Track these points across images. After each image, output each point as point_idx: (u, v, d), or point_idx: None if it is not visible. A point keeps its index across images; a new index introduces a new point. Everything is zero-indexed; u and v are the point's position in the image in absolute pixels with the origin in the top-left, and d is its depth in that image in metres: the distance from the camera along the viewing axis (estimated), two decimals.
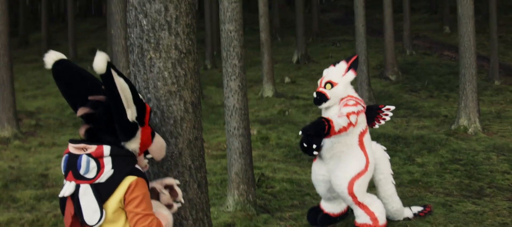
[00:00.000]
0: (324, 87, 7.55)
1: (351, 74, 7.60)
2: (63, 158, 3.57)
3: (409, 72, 24.06)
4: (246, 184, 8.65)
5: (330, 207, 8.03)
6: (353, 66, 7.64)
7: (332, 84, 7.48)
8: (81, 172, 3.41)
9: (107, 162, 3.42)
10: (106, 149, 3.43)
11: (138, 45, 4.17)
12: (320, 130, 6.77)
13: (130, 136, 3.52)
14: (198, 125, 4.33)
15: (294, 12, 29.61)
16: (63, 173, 3.56)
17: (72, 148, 3.51)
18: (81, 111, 3.51)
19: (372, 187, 7.88)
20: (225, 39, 8.70)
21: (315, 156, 7.65)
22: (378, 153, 7.76)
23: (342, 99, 7.51)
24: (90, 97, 3.52)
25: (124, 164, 3.48)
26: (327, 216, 8.03)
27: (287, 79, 24.10)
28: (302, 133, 6.92)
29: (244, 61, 8.79)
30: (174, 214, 4.16)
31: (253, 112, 17.30)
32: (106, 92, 3.37)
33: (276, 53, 27.74)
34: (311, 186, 9.91)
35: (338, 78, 7.55)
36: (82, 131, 3.58)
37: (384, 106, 7.92)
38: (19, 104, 17.15)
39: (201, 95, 11.87)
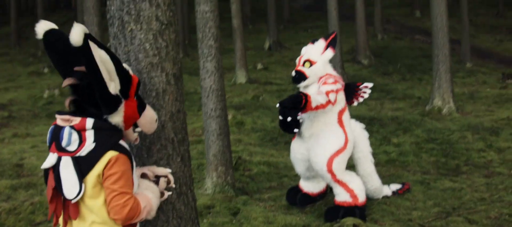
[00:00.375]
0: (303, 65, 7.53)
1: (330, 52, 7.58)
2: (49, 129, 3.53)
3: (381, 56, 24.17)
4: (224, 166, 8.60)
5: (309, 187, 8.03)
6: (331, 44, 7.62)
7: (311, 63, 7.47)
8: (63, 144, 3.38)
9: (89, 135, 3.37)
10: (89, 121, 3.38)
11: (118, 17, 4.10)
12: (297, 103, 6.75)
13: (112, 109, 3.45)
14: (180, 97, 4.28)
15: None
16: (48, 145, 3.51)
17: (58, 120, 3.48)
18: (66, 82, 3.47)
19: (351, 166, 7.88)
20: (201, 20, 8.63)
21: (294, 133, 7.62)
22: (357, 131, 7.77)
23: (320, 77, 7.50)
24: (75, 68, 3.46)
25: (107, 138, 3.42)
26: (306, 195, 8.03)
27: (259, 66, 24.06)
28: (279, 105, 6.88)
29: (220, 43, 8.74)
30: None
31: (227, 98, 17.20)
32: (86, 65, 3.29)
33: (247, 40, 27.69)
34: (288, 168, 9.92)
35: (317, 56, 7.54)
36: (67, 102, 3.53)
37: (362, 83, 7.92)
38: None
39: None
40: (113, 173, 3.35)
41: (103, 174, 3.36)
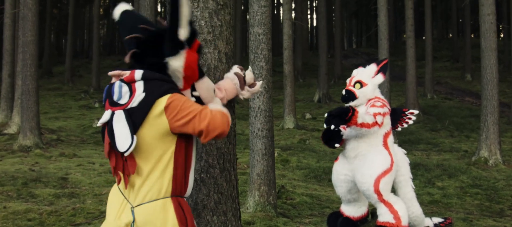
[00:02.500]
0: (354, 86, 7.56)
1: (380, 77, 7.60)
2: (104, 89, 3.54)
3: (430, 114, 24.02)
4: (267, 186, 8.61)
5: (350, 211, 7.96)
6: (382, 70, 7.65)
7: (362, 84, 7.48)
8: (115, 98, 3.38)
9: (139, 85, 3.34)
10: (138, 73, 3.37)
11: None
12: (343, 113, 6.76)
13: (176, 50, 3.40)
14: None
15: (317, 55, 29.78)
16: (103, 104, 3.56)
17: (113, 78, 3.51)
18: (129, 35, 3.51)
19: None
20: (253, 41, 8.76)
21: (335, 147, 7.57)
22: (399, 155, 7.71)
23: (369, 100, 7.51)
24: (140, 26, 3.51)
25: (157, 87, 3.34)
26: (347, 219, 7.96)
27: (308, 116, 24.14)
28: (327, 114, 6.90)
29: (271, 65, 8.84)
30: (201, 161, 4.19)
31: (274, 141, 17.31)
32: (171, 1, 3.31)
33: (297, 93, 27.85)
34: (331, 200, 9.89)
35: (368, 79, 7.55)
36: (127, 57, 3.53)
37: (408, 109, 7.90)
38: (41, 123, 17.20)
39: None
40: (180, 109, 3.26)
41: (169, 123, 3.28)
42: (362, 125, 6.93)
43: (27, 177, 10.70)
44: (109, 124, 3.38)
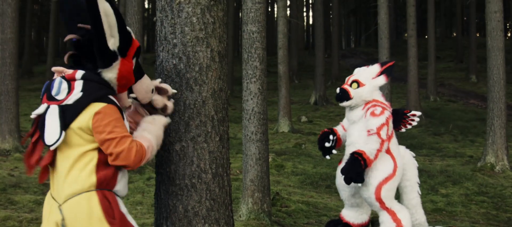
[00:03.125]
0: (350, 85, 7.47)
1: (382, 79, 7.43)
2: (44, 84, 3.75)
3: (432, 117, 24.06)
4: (261, 192, 8.59)
5: (351, 216, 7.92)
6: (386, 72, 7.53)
7: (359, 84, 7.39)
8: (53, 93, 3.60)
9: (78, 84, 3.57)
10: (79, 72, 3.60)
11: None
12: (359, 168, 6.77)
13: (107, 63, 3.63)
14: (224, 76, 4.36)
15: (313, 55, 29.79)
16: (41, 97, 3.71)
17: (55, 74, 3.71)
18: (68, 37, 3.75)
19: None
20: (247, 40, 8.74)
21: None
22: (407, 158, 7.65)
23: (367, 103, 7.44)
24: (79, 25, 3.72)
25: (95, 89, 3.59)
26: (347, 225, 7.95)
27: (304, 119, 24.14)
28: (344, 177, 6.89)
29: (265, 64, 8.82)
30: (192, 166, 4.17)
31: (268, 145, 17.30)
32: (88, 13, 3.47)
33: (293, 94, 27.84)
34: (328, 208, 9.88)
35: (367, 79, 7.42)
36: (66, 57, 3.80)
37: (410, 111, 7.85)
38: (21, 125, 17.10)
39: None
40: (107, 123, 3.50)
41: (94, 128, 3.51)
42: (376, 156, 6.93)
43: (6, 183, 10.66)
44: (41, 117, 3.59)
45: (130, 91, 3.90)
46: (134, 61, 3.81)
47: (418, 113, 7.86)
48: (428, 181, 12.50)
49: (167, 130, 4.10)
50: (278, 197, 10.20)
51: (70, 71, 3.61)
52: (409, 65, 23.09)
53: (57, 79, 3.61)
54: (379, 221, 7.24)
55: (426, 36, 34.44)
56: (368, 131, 7.08)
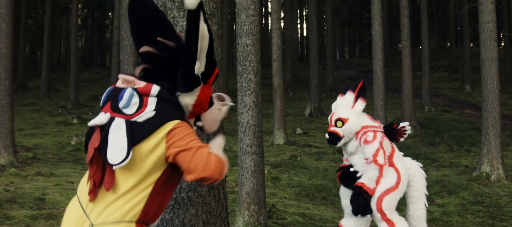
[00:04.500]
0: (335, 125, 7.51)
1: (361, 104, 7.52)
2: (107, 90, 3.40)
3: (427, 127, 24.07)
4: (257, 205, 8.61)
5: (350, 226, 7.94)
6: (360, 94, 7.61)
7: (343, 121, 7.43)
8: (121, 104, 3.24)
9: (152, 101, 3.24)
10: (155, 88, 3.26)
11: (161, 4, 4.28)
12: (363, 202, 6.89)
13: (190, 88, 3.35)
14: (218, 89, 4.39)
15: (307, 67, 29.80)
16: (101, 105, 3.36)
17: (119, 81, 3.38)
18: (145, 48, 3.41)
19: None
20: (241, 53, 8.78)
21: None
22: (413, 169, 7.64)
23: (357, 133, 7.48)
24: (159, 39, 3.40)
25: (169, 110, 3.26)
26: None
27: (299, 131, 24.12)
28: (354, 214, 7.03)
29: (260, 77, 8.85)
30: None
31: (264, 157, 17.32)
32: (187, 32, 3.20)
33: (287, 106, 27.85)
34: (324, 220, 9.88)
35: (347, 112, 7.45)
36: (138, 70, 3.44)
37: (398, 125, 7.89)
38: (16, 140, 17.10)
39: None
40: (182, 137, 3.16)
41: (168, 145, 3.16)
42: (377, 182, 7.00)
43: (2, 198, 10.64)
44: (104, 128, 3.22)
45: (197, 119, 3.61)
46: (212, 88, 3.56)
47: (406, 124, 7.90)
48: None
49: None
50: (274, 209, 10.21)
51: (143, 83, 3.27)
52: (403, 75, 23.14)
53: (128, 90, 3.25)
54: None
55: (420, 47, 34.58)
56: (365, 159, 7.14)
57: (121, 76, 3.37)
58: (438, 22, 57.81)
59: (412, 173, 7.53)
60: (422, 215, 7.63)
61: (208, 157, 3.11)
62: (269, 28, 43.22)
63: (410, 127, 7.85)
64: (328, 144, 7.68)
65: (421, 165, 7.80)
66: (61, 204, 10.47)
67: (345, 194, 7.73)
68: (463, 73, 35.66)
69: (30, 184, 12.66)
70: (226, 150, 14.40)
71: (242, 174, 8.70)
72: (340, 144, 7.46)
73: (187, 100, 3.37)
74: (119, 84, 3.35)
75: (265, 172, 13.26)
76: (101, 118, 3.23)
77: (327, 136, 7.52)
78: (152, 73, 3.40)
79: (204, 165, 3.09)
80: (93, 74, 49.39)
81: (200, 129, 3.67)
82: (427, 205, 7.71)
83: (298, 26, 65.44)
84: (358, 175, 7.49)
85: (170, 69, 3.34)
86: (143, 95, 3.23)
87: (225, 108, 3.74)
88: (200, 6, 3.10)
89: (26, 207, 10.28)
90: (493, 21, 14.53)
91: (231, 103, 3.80)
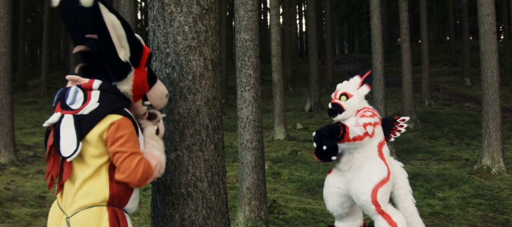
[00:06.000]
0: (339, 99, 7.63)
1: (365, 89, 7.74)
2: (57, 92, 3.64)
3: (428, 121, 24.04)
4: (258, 200, 8.59)
5: (344, 226, 7.96)
6: (367, 81, 7.76)
7: (348, 96, 7.60)
8: (67, 101, 3.48)
9: (95, 94, 3.46)
10: (96, 82, 3.49)
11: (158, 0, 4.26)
12: (335, 132, 6.86)
13: (121, 76, 3.54)
14: (217, 84, 4.36)
15: (307, 62, 29.75)
16: (53, 106, 3.60)
17: (69, 83, 3.59)
18: (76, 49, 3.60)
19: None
20: (240, 48, 8.76)
21: (331, 161, 7.58)
22: (396, 168, 7.72)
23: (358, 111, 7.58)
24: (87, 35, 3.59)
25: (112, 101, 3.48)
26: None
27: (299, 126, 24.10)
28: (316, 133, 6.98)
29: (259, 72, 8.84)
30: (188, 175, 4.16)
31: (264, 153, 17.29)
32: (95, 28, 3.40)
33: (287, 102, 27.84)
34: (325, 214, 9.86)
35: (353, 90, 7.68)
36: (76, 69, 3.66)
37: (399, 117, 7.97)
38: (16, 139, 17.08)
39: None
40: (120, 136, 3.40)
41: (107, 138, 3.40)
42: (354, 139, 7.04)
43: (3, 197, 10.63)
44: (56, 126, 3.47)
45: (145, 98, 3.82)
46: (146, 69, 3.73)
47: (407, 118, 8.03)
48: (425, 185, 12.52)
49: (162, 139, 4.06)
50: (275, 205, 10.20)
51: (86, 80, 3.50)
52: (403, 70, 23.10)
53: (73, 88, 3.49)
54: (375, 226, 7.24)
55: (420, 41, 34.52)
56: (357, 124, 7.25)
57: (68, 77, 3.60)
58: (437, 15, 57.73)
59: (394, 171, 7.59)
60: (413, 211, 7.69)
61: (137, 165, 3.41)
62: (268, 24, 43.15)
63: (406, 124, 7.96)
64: (329, 115, 7.77)
65: (402, 164, 7.89)
66: None
67: (330, 195, 7.77)
68: (462, 66, 35.57)
69: (30, 182, 12.65)
70: (226, 146, 14.45)
71: (242, 170, 8.69)
72: (340, 117, 7.62)
73: (124, 87, 3.60)
74: (68, 85, 3.59)
75: (266, 167, 13.27)
76: (53, 117, 3.49)
77: (330, 106, 7.71)
78: (90, 69, 3.63)
79: (130, 172, 3.40)
80: None
81: (151, 107, 3.92)
82: (414, 201, 7.75)
83: (297, 21, 65.45)
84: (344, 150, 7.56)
85: (100, 61, 3.54)
86: (86, 90, 3.48)
87: (160, 125, 3.98)
88: (96, 1, 3.33)
89: (27, 205, 10.27)
90: (493, 14, 14.50)
91: (163, 115, 4.06)
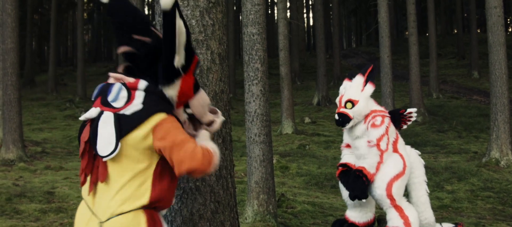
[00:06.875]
0: (345, 106, 7.49)
1: (370, 88, 7.52)
2: (98, 87, 3.52)
3: (436, 114, 24.00)
4: (267, 194, 8.57)
5: (355, 216, 7.92)
6: (370, 78, 7.58)
7: (353, 103, 7.41)
8: (109, 98, 3.35)
9: (139, 95, 3.34)
10: (142, 83, 3.37)
11: None
12: (362, 185, 6.91)
13: (170, 81, 3.42)
14: (225, 78, 4.35)
15: (314, 56, 29.72)
16: (93, 100, 3.48)
17: (111, 79, 3.49)
18: (122, 49, 3.51)
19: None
20: (248, 42, 8.74)
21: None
22: (413, 157, 7.67)
23: (366, 116, 7.47)
24: (134, 36, 3.49)
25: (156, 103, 3.35)
26: (352, 225, 7.93)
27: (307, 120, 24.07)
28: (348, 195, 7.07)
29: (266, 66, 8.82)
30: None
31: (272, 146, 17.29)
32: (164, 30, 3.29)
33: (295, 96, 27.78)
34: (334, 208, 9.85)
35: (357, 94, 7.46)
36: (121, 68, 3.56)
37: (405, 110, 7.87)
38: (24, 135, 17.11)
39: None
40: (168, 130, 3.26)
41: (154, 138, 3.26)
42: (377, 168, 7.05)
43: (11, 192, 10.63)
44: (94, 122, 3.35)
45: (186, 106, 3.66)
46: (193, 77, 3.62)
47: (414, 109, 7.89)
48: (433, 178, 12.48)
49: None
50: (283, 198, 10.19)
51: (132, 79, 3.38)
52: (410, 63, 23.06)
53: (117, 85, 3.37)
54: (387, 218, 7.24)
55: (427, 34, 34.41)
56: (368, 142, 7.16)
57: (111, 74, 3.49)
58: (444, 8, 57.53)
59: (412, 161, 7.55)
60: (425, 201, 7.66)
61: (194, 149, 3.22)
62: (276, 18, 43.12)
63: (416, 113, 7.87)
64: (337, 126, 7.69)
65: (419, 153, 7.82)
66: (70, 197, 10.47)
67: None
68: (470, 59, 35.49)
69: (39, 178, 12.67)
70: (234, 140, 14.42)
71: (250, 164, 8.68)
72: (349, 126, 7.47)
73: (171, 92, 3.45)
74: (110, 80, 3.48)
75: (274, 161, 13.24)
76: (92, 112, 3.35)
77: (336, 117, 7.54)
78: (133, 70, 3.52)
79: (191, 157, 3.19)
80: (100, 68, 49.43)
81: (192, 116, 3.71)
82: (428, 191, 7.72)
83: (305, 15, 65.34)
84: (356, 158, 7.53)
85: (149, 64, 3.45)
86: (131, 90, 3.35)
87: (218, 120, 3.82)
88: (175, 5, 3.21)
89: (35, 201, 10.28)
90: (500, 6, 14.44)
91: (222, 118, 3.88)
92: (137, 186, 3.30)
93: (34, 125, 23.34)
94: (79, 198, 10.48)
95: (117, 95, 3.34)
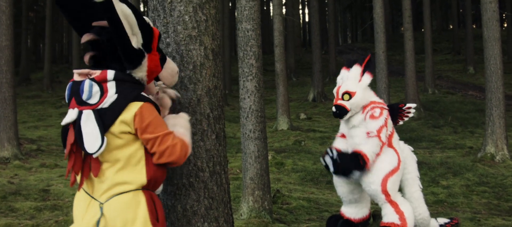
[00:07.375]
0: (342, 98, 7.44)
1: (367, 78, 7.46)
2: (67, 86, 3.57)
3: (431, 110, 24.02)
4: (262, 190, 8.57)
5: (351, 212, 7.91)
6: (367, 68, 7.53)
7: (350, 95, 7.35)
8: (84, 97, 3.41)
9: (111, 86, 3.41)
10: (110, 73, 3.43)
11: None
12: (357, 166, 6.84)
13: (136, 64, 3.50)
14: (218, 74, 4.33)
15: (310, 52, 29.73)
16: (67, 102, 3.53)
17: (76, 75, 3.53)
18: (84, 38, 3.54)
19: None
20: (242, 38, 8.73)
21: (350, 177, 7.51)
22: (406, 152, 7.66)
23: (364, 107, 7.43)
24: (93, 23, 3.55)
25: (129, 89, 3.46)
26: (348, 221, 7.91)
27: (302, 116, 24.09)
28: (334, 168, 6.96)
29: (261, 62, 8.80)
30: (189, 165, 4.15)
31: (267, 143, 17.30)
32: (108, 19, 3.34)
33: (291, 92, 27.81)
34: (329, 204, 9.84)
35: (355, 85, 7.39)
36: (86, 58, 3.59)
37: (404, 105, 7.84)
38: (20, 133, 17.07)
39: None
40: (148, 123, 3.41)
41: (136, 129, 3.41)
42: (374, 160, 7.00)
43: (6, 190, 10.61)
44: (76, 123, 3.42)
45: (157, 78, 3.80)
46: (157, 51, 3.69)
47: (413, 105, 7.86)
48: (429, 173, 12.50)
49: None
50: (278, 195, 10.18)
51: (98, 72, 3.43)
52: (406, 58, 23.07)
53: (87, 82, 3.41)
54: (382, 214, 7.23)
55: (423, 29, 34.45)
56: (368, 133, 7.11)
57: (76, 71, 3.54)
58: (440, 4, 57.60)
59: (405, 156, 7.54)
60: (419, 196, 7.65)
61: (174, 144, 3.47)
62: (271, 14, 43.10)
63: (414, 109, 7.84)
64: (334, 117, 7.66)
65: (412, 148, 7.81)
66: (66, 194, 10.45)
67: (340, 182, 7.71)
68: (466, 55, 35.53)
69: (34, 175, 12.65)
70: (230, 137, 14.43)
71: (245, 160, 8.67)
72: (346, 117, 7.43)
73: (139, 74, 3.57)
74: (76, 78, 3.52)
75: (269, 157, 13.25)
76: (71, 115, 3.45)
77: (334, 109, 7.47)
78: (100, 59, 3.57)
79: (170, 153, 3.46)
80: None
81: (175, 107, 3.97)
82: (421, 187, 7.71)
83: (300, 11, 65.26)
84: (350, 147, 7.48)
85: (113, 49, 3.50)
86: (101, 83, 3.42)
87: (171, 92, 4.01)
88: None
89: (30, 198, 10.26)
90: (495, 2, 14.45)
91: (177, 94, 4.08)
92: (132, 167, 3.48)
93: (29, 122, 23.32)
94: (74, 196, 10.44)
95: (90, 92, 3.40)
